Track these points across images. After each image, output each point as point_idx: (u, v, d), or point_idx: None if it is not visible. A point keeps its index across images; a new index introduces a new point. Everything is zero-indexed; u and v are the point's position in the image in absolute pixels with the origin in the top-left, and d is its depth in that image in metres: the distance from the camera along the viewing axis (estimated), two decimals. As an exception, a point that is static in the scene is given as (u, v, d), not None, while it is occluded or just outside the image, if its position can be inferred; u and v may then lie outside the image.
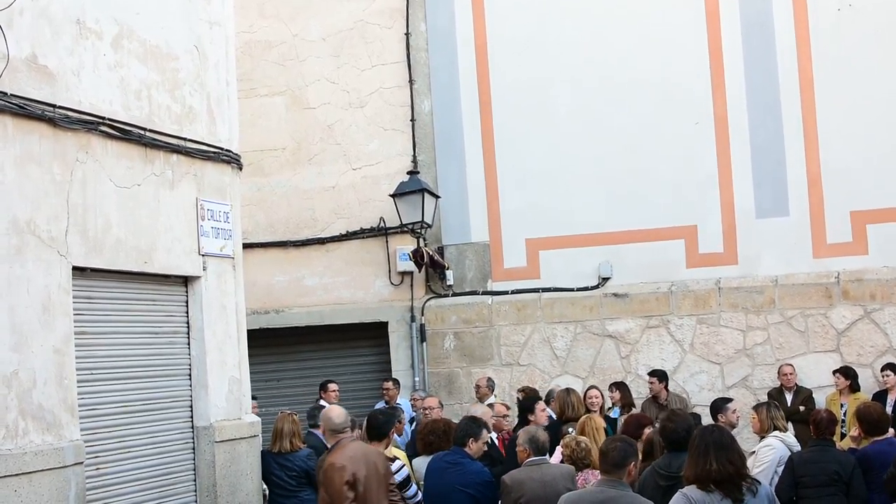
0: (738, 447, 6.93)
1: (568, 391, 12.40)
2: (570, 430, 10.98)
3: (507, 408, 13.19)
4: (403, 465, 9.61)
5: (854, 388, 14.50)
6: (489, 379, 15.20)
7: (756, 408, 10.52)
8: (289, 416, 11.98)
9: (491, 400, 14.56)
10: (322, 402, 14.15)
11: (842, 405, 14.23)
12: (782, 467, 9.78)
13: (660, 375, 14.70)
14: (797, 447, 10.29)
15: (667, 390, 14.57)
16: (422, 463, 10.12)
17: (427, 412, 12.54)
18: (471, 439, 9.38)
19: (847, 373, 14.59)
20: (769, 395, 14.60)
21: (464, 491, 9.13)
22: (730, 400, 11.69)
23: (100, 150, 9.84)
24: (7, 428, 8.51)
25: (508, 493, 8.83)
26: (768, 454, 9.99)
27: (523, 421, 11.41)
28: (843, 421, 13.95)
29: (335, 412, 9.38)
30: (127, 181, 10.17)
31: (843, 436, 13.73)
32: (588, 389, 13.85)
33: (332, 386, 14.91)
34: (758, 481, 6.88)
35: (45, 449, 8.80)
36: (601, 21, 16.56)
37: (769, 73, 15.93)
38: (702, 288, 15.94)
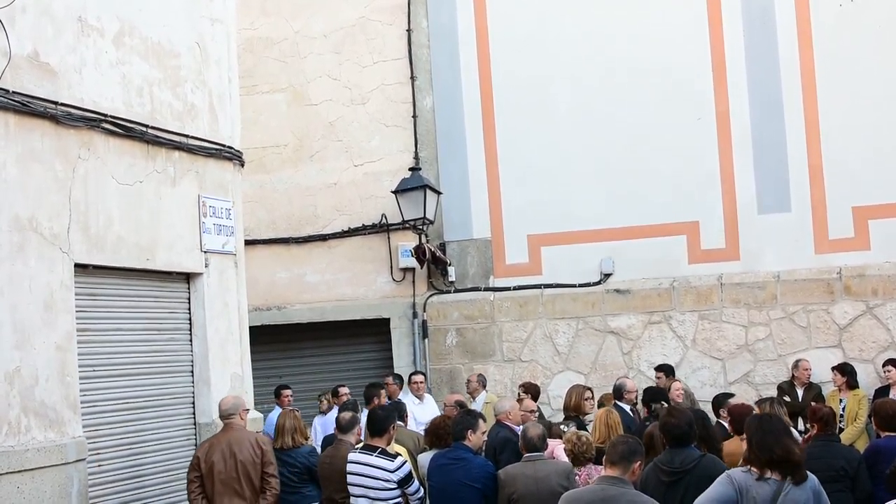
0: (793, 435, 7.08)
1: (575, 387, 12.53)
2: (567, 426, 11.03)
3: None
4: (405, 462, 9.60)
5: (852, 384, 14.44)
6: (479, 375, 15.17)
7: (759, 403, 10.52)
8: (290, 412, 12.01)
9: (482, 395, 14.62)
10: (411, 396, 14.48)
11: (840, 401, 14.22)
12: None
13: (666, 370, 14.70)
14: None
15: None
16: (428, 459, 10.12)
17: (445, 408, 12.60)
18: (469, 431, 9.40)
19: (844, 369, 14.56)
20: (779, 388, 14.60)
21: (471, 486, 9.15)
22: (731, 395, 11.72)
23: (102, 147, 9.87)
24: (9, 425, 8.54)
25: (502, 488, 8.91)
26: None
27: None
28: (842, 416, 13.96)
29: (225, 400, 10.22)
30: (129, 178, 10.20)
31: (840, 430, 13.75)
32: (673, 382, 13.93)
33: (418, 378, 15.02)
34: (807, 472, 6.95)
35: (48, 446, 8.83)
36: (602, 18, 16.53)
37: (771, 68, 15.91)
38: (704, 284, 15.93)
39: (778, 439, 6.89)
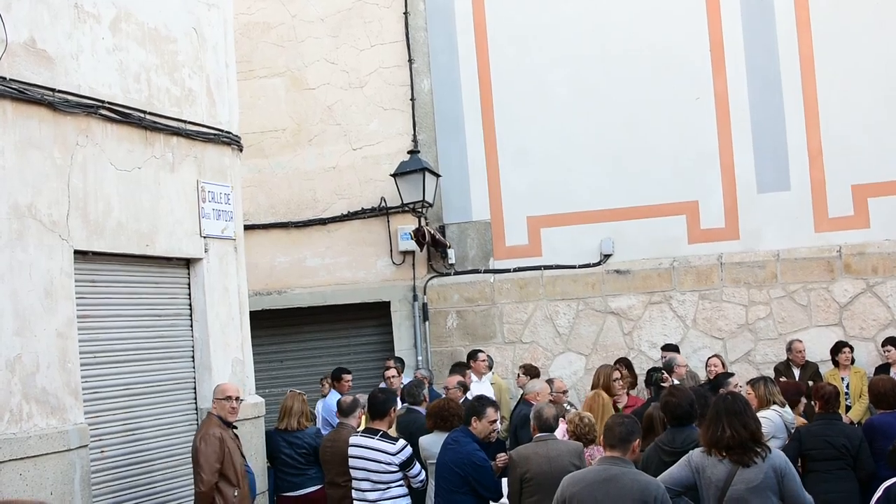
0: (752, 412, 7.14)
1: (603, 367, 12.51)
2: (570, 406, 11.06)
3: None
4: (406, 445, 9.63)
5: (854, 361, 14.55)
6: (487, 356, 15.15)
7: (752, 384, 10.50)
8: (299, 395, 12.08)
9: (488, 376, 14.60)
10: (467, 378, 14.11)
11: (843, 379, 14.24)
12: (774, 440, 9.75)
13: (673, 350, 14.69)
14: (794, 423, 10.33)
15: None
16: (429, 441, 10.12)
17: (447, 391, 12.57)
18: (473, 418, 9.39)
19: (850, 346, 14.59)
20: (776, 369, 14.60)
21: (454, 470, 9.13)
22: (731, 375, 11.76)
23: (100, 133, 9.85)
24: (11, 412, 8.55)
25: (514, 468, 8.91)
26: (763, 426, 10.00)
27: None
28: (847, 394, 14.01)
29: None
30: (127, 164, 10.19)
31: (847, 408, 13.80)
32: (710, 358, 14.07)
33: (482, 355, 14.78)
34: (769, 448, 7.03)
35: (50, 433, 8.84)
36: (600, -2, 16.55)
37: (769, 47, 15.88)
38: (704, 263, 15.93)
39: (730, 421, 7.01)
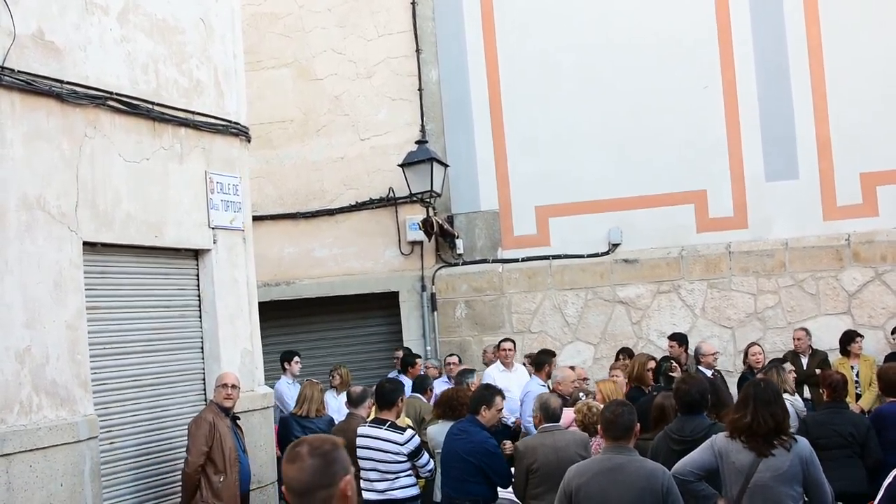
0: (782, 402, 7.13)
1: (639, 356, 12.46)
2: (582, 395, 11.03)
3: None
4: (415, 435, 9.63)
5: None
6: (495, 347, 15.13)
7: (765, 371, 10.51)
8: (316, 384, 12.30)
9: (518, 367, 14.55)
10: (498, 363, 14.24)
11: (852, 367, 14.21)
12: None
13: (679, 339, 14.67)
14: (804, 412, 10.32)
15: (687, 353, 14.51)
16: (437, 430, 10.14)
17: (450, 367, 12.56)
18: (483, 407, 9.38)
19: (859, 336, 14.57)
20: (784, 358, 14.57)
21: (467, 459, 9.13)
22: (784, 361, 11.71)
23: (108, 124, 9.84)
24: (21, 404, 8.55)
25: (521, 459, 8.89)
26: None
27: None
28: (858, 382, 13.98)
29: None
30: (136, 155, 10.18)
31: (858, 396, 13.77)
32: (750, 346, 14.03)
33: (507, 345, 14.50)
34: (795, 438, 7.03)
35: (60, 424, 8.84)
36: (608, -13, 16.51)
37: (777, 35, 15.85)
38: (712, 252, 15.92)
39: (757, 408, 7.01)
